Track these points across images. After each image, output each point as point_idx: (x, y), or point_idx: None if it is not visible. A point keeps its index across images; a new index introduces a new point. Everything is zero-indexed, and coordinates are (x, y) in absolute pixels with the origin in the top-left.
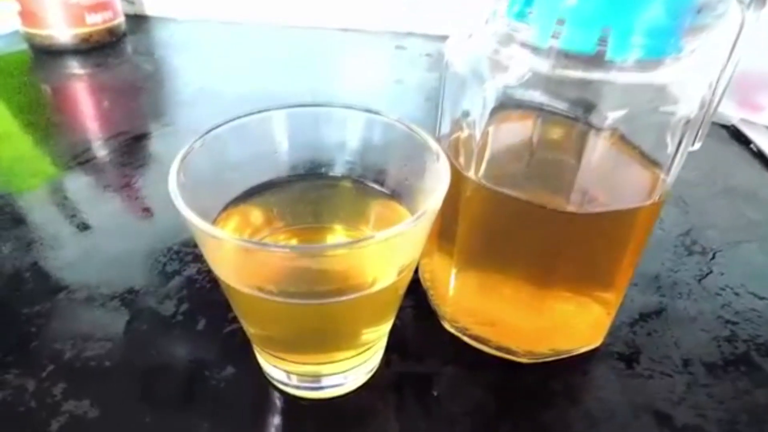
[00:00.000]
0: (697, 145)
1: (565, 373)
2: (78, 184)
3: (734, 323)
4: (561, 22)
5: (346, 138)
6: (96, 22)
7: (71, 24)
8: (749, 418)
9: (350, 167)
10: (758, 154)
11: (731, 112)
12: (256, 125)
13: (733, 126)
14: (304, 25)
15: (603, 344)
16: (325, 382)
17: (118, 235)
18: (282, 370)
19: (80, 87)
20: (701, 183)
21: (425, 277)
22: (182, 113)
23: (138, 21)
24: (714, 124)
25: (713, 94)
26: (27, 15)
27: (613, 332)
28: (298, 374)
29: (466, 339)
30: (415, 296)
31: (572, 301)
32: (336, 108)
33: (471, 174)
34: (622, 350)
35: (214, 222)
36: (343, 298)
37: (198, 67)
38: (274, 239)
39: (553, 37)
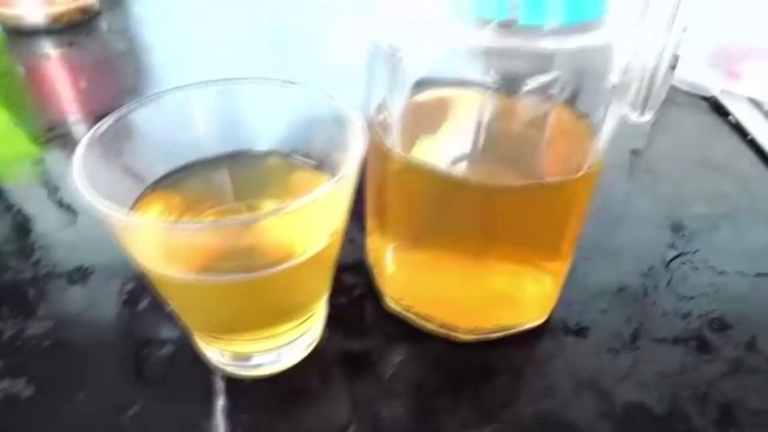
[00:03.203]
0: (648, 116)
1: (511, 349)
2: (50, 162)
3: (690, 298)
4: None
5: (269, 112)
6: (66, 0)
7: (41, 3)
8: (692, 393)
9: (275, 142)
10: (736, 127)
11: (712, 84)
12: (174, 104)
13: (713, 97)
14: (282, 2)
15: (552, 321)
16: (260, 359)
17: (79, 213)
18: (216, 349)
19: (54, 67)
20: (674, 155)
21: (370, 256)
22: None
23: None
24: (694, 95)
25: (658, 62)
26: None
27: (564, 308)
28: (232, 353)
29: (410, 317)
30: (361, 275)
31: (508, 276)
32: (255, 82)
33: (395, 150)
34: (571, 326)
35: (132, 209)
36: (273, 270)
37: (174, 45)
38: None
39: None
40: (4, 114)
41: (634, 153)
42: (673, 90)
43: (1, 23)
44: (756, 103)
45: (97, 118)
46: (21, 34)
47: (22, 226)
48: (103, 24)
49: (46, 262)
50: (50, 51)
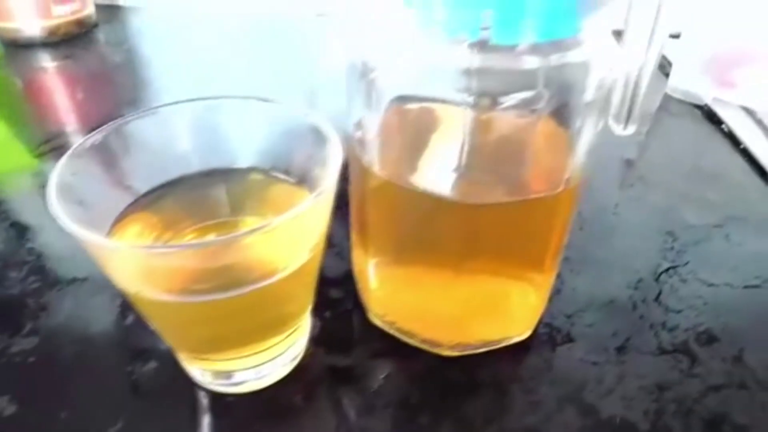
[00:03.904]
0: (631, 129)
1: (497, 363)
2: (47, 174)
3: (678, 311)
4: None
5: (250, 129)
6: (63, 13)
7: (38, 16)
8: (677, 408)
9: (256, 158)
10: (729, 135)
11: (705, 92)
12: (156, 121)
13: (706, 106)
14: (280, 12)
15: (538, 334)
16: (244, 375)
17: None
18: (199, 367)
19: (51, 79)
20: (667, 164)
21: (354, 270)
22: (155, 103)
23: (111, 11)
24: (687, 103)
25: (639, 75)
26: None
27: (551, 322)
28: (215, 371)
29: (393, 332)
30: (347, 289)
31: (491, 291)
32: (235, 100)
33: (373, 167)
34: (558, 340)
35: (112, 229)
36: (254, 287)
37: (171, 57)
38: (179, 239)
39: (436, 22)
40: (1, 126)
41: (628, 163)
42: (666, 98)
43: None
44: (749, 112)
45: (94, 129)
46: (18, 47)
47: (18, 239)
48: (100, 36)
49: (38, 275)
50: (47, 63)
